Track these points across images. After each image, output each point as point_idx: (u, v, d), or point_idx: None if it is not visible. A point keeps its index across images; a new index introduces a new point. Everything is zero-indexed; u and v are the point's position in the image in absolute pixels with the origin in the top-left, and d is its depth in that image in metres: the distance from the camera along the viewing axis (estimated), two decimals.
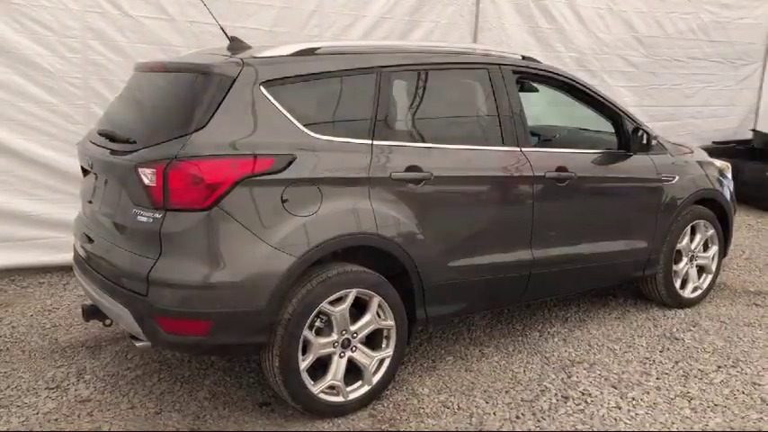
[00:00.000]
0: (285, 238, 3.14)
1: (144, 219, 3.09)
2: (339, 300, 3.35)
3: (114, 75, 5.73)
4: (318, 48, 3.52)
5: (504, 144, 3.91)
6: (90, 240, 3.55)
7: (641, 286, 4.92)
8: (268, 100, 3.21)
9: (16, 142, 5.47)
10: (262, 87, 3.22)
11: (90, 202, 3.62)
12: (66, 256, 5.74)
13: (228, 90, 3.14)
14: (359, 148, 3.40)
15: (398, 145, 3.55)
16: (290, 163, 3.17)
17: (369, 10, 6.89)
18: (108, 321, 3.79)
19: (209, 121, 3.09)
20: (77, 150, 3.93)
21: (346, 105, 3.51)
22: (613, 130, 4.59)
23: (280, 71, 3.30)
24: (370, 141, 3.44)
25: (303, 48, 3.46)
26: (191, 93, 3.20)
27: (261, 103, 3.21)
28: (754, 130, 10.10)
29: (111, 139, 3.46)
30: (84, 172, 3.86)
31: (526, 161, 3.94)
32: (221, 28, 3.69)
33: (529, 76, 4.17)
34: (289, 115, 3.26)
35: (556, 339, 4.44)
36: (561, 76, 4.30)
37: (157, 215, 3.04)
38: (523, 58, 4.24)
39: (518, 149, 3.95)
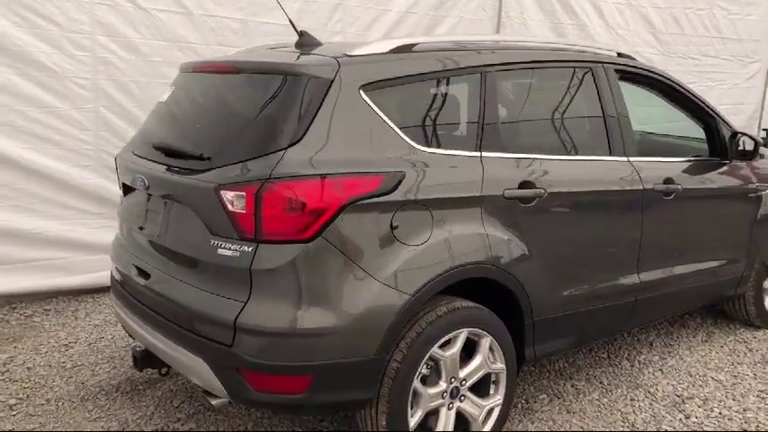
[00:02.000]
0: (396, 273, 2.61)
1: (228, 252, 2.52)
2: (448, 342, 2.83)
3: (126, 75, 5.12)
4: (416, 44, 2.99)
5: (611, 153, 3.44)
6: (144, 274, 2.96)
7: (726, 305, 4.51)
8: (369, 106, 2.68)
9: (17, 152, 4.82)
10: (362, 92, 2.67)
11: (141, 228, 3.02)
12: (73, 280, 5.16)
13: (325, 95, 2.60)
14: (468, 163, 2.89)
15: (508, 157, 3.05)
16: (400, 182, 2.63)
17: (393, 5, 6.42)
18: (165, 370, 3.20)
19: (305, 133, 2.54)
20: (117, 164, 3.33)
21: (450, 111, 3.00)
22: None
23: (380, 72, 2.77)
24: (478, 154, 2.93)
25: (401, 44, 2.92)
26: (278, 99, 2.65)
27: (361, 110, 2.67)
28: (766, 130, 9.88)
29: (170, 153, 2.87)
30: (127, 190, 3.25)
31: (635, 173, 3.47)
32: (290, 21, 3.12)
33: (629, 76, 3.69)
34: (392, 124, 2.73)
35: (651, 369, 3.98)
36: (660, 75, 3.83)
37: (247, 248, 2.48)
38: (619, 55, 3.76)
39: (626, 159, 3.47)
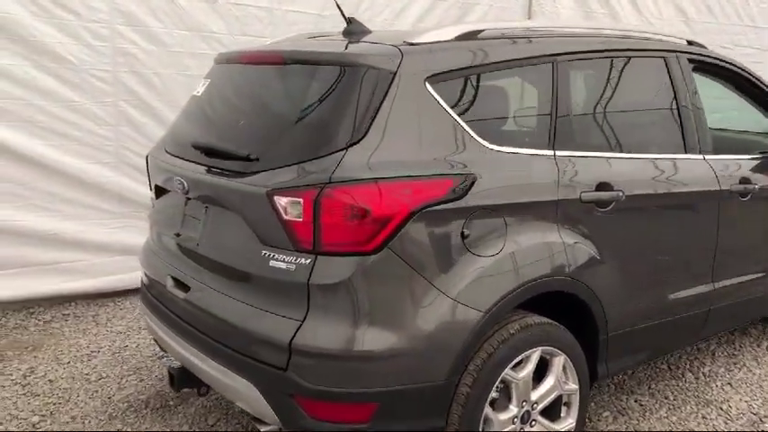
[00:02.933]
0: (468, 288, 2.33)
1: (282, 265, 2.24)
2: (519, 362, 2.54)
3: (147, 66, 4.84)
4: (481, 30, 2.69)
5: (686, 151, 3.14)
6: (182, 286, 2.68)
7: None
8: (435, 100, 2.39)
9: (33, 148, 4.55)
10: (427, 84, 2.38)
11: (177, 234, 2.74)
12: (93, 283, 4.88)
13: (388, 89, 2.31)
14: (542, 163, 2.60)
15: (583, 156, 2.76)
16: (471, 186, 2.34)
17: None
18: (204, 390, 2.93)
19: (367, 131, 2.25)
20: (148, 164, 3.04)
21: (521, 105, 2.71)
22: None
23: (446, 62, 2.48)
24: (551, 152, 2.64)
25: (466, 30, 2.63)
26: (335, 93, 2.36)
27: (427, 105, 2.38)
28: None
29: (211, 153, 2.58)
30: (159, 192, 2.97)
31: (712, 172, 3.17)
32: (339, 8, 2.82)
33: (702, 66, 3.39)
34: (460, 120, 2.43)
35: (719, 383, 3.70)
36: (735, 66, 3.53)
37: (304, 260, 2.20)
38: (689, 43, 3.45)
39: (702, 158, 3.17)
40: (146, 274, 3.07)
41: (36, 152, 4.56)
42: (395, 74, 2.34)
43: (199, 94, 2.98)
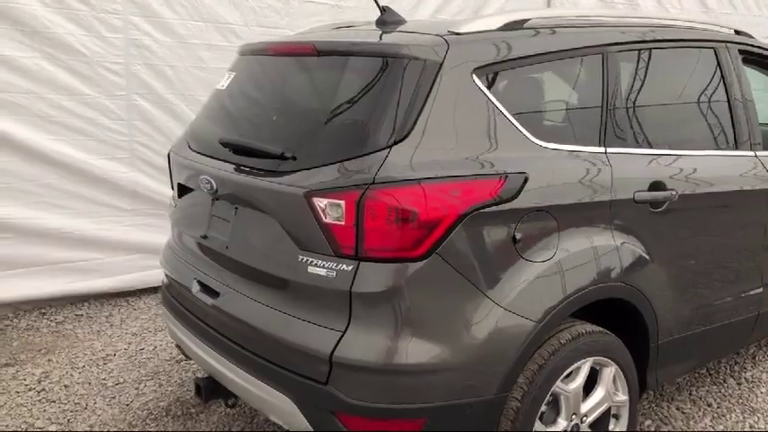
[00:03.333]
0: (520, 296, 2.18)
1: (321, 271, 2.09)
2: (569, 374, 2.38)
3: (161, 58, 4.68)
4: (527, 19, 2.52)
5: (738, 147, 2.98)
6: (210, 292, 2.52)
7: None
8: (483, 94, 2.23)
9: (44, 143, 4.38)
10: (474, 76, 2.22)
11: (204, 236, 2.58)
12: (105, 282, 4.73)
13: (433, 82, 2.14)
14: (593, 160, 2.44)
15: (635, 153, 2.59)
16: (523, 186, 2.18)
17: None
18: (233, 401, 2.77)
19: (411, 128, 2.09)
20: (170, 162, 2.88)
21: (570, 99, 2.54)
22: None
23: (494, 52, 2.32)
24: (603, 149, 2.47)
25: (512, 19, 2.46)
26: (377, 87, 2.20)
27: (475, 98, 2.22)
28: None
29: (241, 150, 2.42)
30: (182, 191, 2.81)
31: (763, 170, 3.00)
32: None
33: (750, 57, 3.21)
34: (509, 115, 2.27)
35: (763, 390, 3.55)
36: None
37: (346, 267, 2.04)
38: (737, 32, 3.28)
39: (753, 154, 3.01)
40: (168, 276, 2.92)
41: (47, 148, 4.40)
42: (441, 65, 2.17)
43: (223, 88, 2.82)
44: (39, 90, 4.31)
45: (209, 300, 2.51)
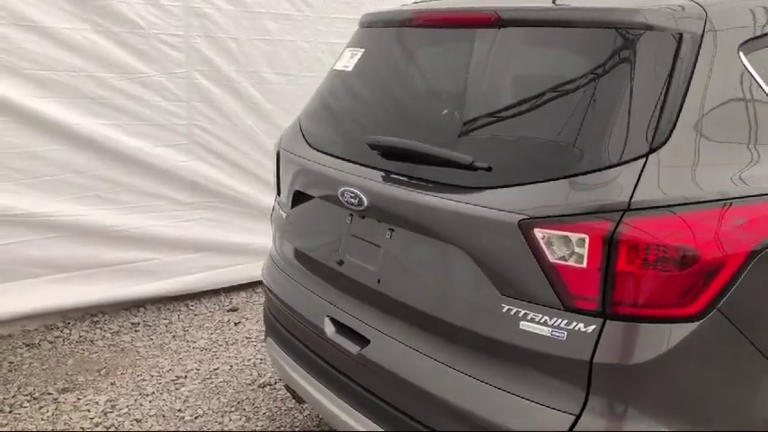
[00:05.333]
0: None
1: (541, 330, 1.52)
2: None
3: (223, 30, 4.09)
4: None
5: None
6: (354, 337, 1.96)
7: None
8: (753, 79, 1.62)
9: (94, 128, 3.81)
10: (741, 54, 1.60)
11: (340, 262, 1.99)
12: (162, 285, 4.18)
13: (695, 63, 1.53)
14: None
15: None
16: None
17: None
18: None
19: (672, 128, 1.48)
20: (280, 161, 2.30)
21: None
22: None
23: (761, 21, 1.69)
24: None
25: None
26: (608, 70, 1.60)
27: (745, 84, 1.62)
28: None
29: (397, 155, 1.82)
30: (299, 198, 2.23)
31: None
32: None
33: None
34: None
35: None
36: None
37: (583, 326, 1.46)
38: None
39: None
40: (276, 299, 2.36)
41: (98, 133, 3.82)
42: (701, 39, 1.56)
43: (348, 69, 2.22)
44: (88, 68, 3.73)
45: (352, 347, 1.94)
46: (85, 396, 3.21)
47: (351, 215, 1.99)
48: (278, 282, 2.37)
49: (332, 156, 2.06)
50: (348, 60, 2.27)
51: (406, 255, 1.84)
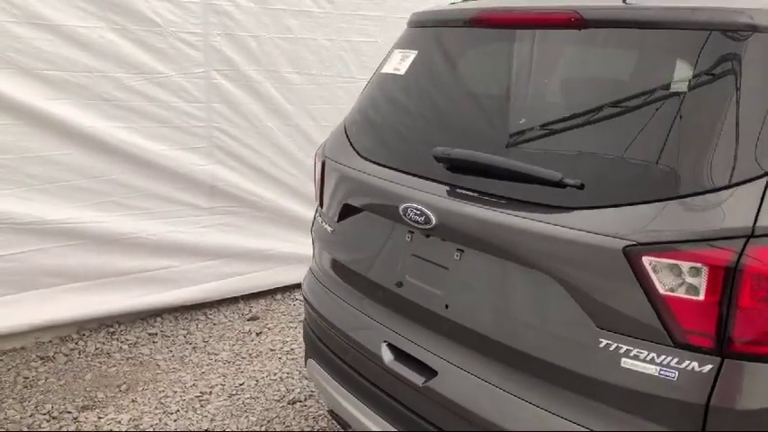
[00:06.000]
0: None
1: (647, 369, 1.37)
2: None
3: (244, 28, 3.91)
4: None
5: None
6: (420, 367, 1.79)
7: None
8: None
9: (110, 131, 3.64)
10: None
11: (399, 284, 1.83)
12: (180, 294, 4.02)
13: None
14: None
15: None
16: None
17: None
18: None
19: None
20: (326, 171, 2.13)
21: None
22: None
23: None
24: None
25: None
26: (711, 76, 1.42)
27: None
28: None
29: (468, 169, 1.66)
30: (348, 212, 2.06)
31: None
32: None
33: None
34: None
35: None
36: None
37: (697, 365, 1.31)
38: None
39: None
40: (321, 319, 2.19)
41: (113, 136, 3.65)
42: None
43: (400, 73, 2.05)
44: (103, 68, 3.56)
45: (416, 378, 1.78)
46: (107, 414, 3.05)
47: (411, 232, 1.83)
48: (322, 300, 2.21)
49: (389, 168, 1.90)
50: (399, 63, 2.10)
51: (480, 279, 1.68)
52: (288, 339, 3.82)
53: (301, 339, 3.80)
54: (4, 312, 3.51)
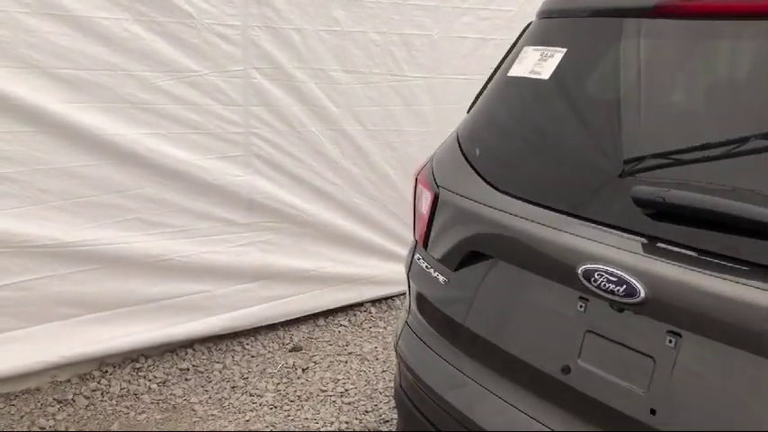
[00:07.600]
0: None
1: None
2: None
3: (286, 20, 3.41)
4: None
5: None
6: None
7: None
8: None
9: (135, 138, 3.16)
10: None
11: (566, 369, 1.34)
12: (214, 322, 3.53)
13: None
14: None
15: None
16: None
17: None
18: None
19: None
20: (440, 204, 1.63)
21: None
22: None
23: None
24: None
25: None
26: None
27: None
28: None
29: (685, 219, 1.16)
30: (474, 260, 1.56)
31: None
32: None
33: None
34: None
35: None
36: None
37: None
38: None
39: None
40: (428, 391, 1.70)
41: (140, 145, 3.16)
42: None
43: (543, 78, 1.56)
44: (128, 66, 3.05)
45: None
46: None
47: (584, 299, 1.33)
48: (432, 368, 1.73)
49: (546, 207, 1.40)
50: (537, 64, 1.60)
51: (712, 378, 1.18)
52: (339, 377, 3.34)
53: (355, 377, 3.34)
54: (16, 348, 3.04)
